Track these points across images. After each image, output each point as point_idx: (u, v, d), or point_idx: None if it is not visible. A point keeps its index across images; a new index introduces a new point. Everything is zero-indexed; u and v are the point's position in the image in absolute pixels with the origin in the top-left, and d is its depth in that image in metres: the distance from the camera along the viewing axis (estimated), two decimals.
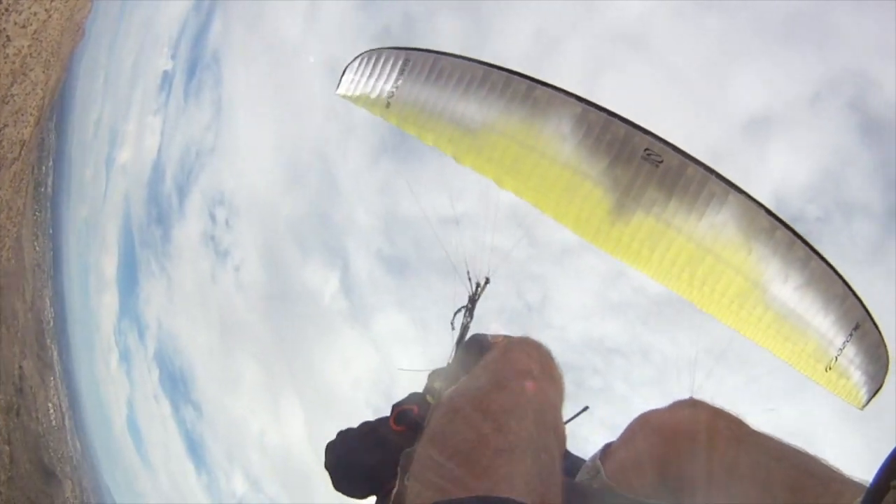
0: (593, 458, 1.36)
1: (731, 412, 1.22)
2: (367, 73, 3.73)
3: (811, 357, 3.88)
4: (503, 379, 1.10)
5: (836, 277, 3.83)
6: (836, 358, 4.00)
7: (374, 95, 3.67)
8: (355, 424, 2.37)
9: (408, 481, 1.37)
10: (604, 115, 3.17)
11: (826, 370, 3.94)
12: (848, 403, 4.18)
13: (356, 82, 3.78)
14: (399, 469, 1.53)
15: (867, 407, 4.44)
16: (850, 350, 4.10)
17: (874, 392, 4.41)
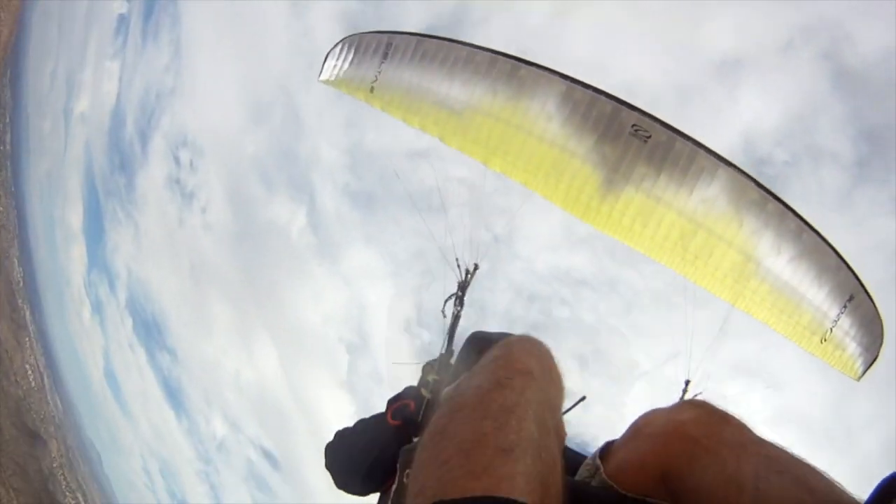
0: (593, 456, 1.34)
1: (736, 417, 1.21)
2: (350, 58, 3.67)
3: (806, 329, 3.87)
4: (503, 377, 1.08)
5: (828, 249, 3.82)
6: (831, 329, 4.00)
7: (357, 81, 3.62)
8: (350, 423, 2.39)
9: (407, 479, 1.35)
10: (590, 92, 3.13)
11: (821, 342, 3.94)
12: (844, 374, 4.19)
13: (338, 68, 3.72)
14: (398, 466, 1.52)
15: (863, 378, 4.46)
16: (845, 322, 4.09)
17: (870, 363, 4.42)
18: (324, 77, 3.82)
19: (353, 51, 3.70)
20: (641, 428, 1.26)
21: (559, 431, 1.14)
